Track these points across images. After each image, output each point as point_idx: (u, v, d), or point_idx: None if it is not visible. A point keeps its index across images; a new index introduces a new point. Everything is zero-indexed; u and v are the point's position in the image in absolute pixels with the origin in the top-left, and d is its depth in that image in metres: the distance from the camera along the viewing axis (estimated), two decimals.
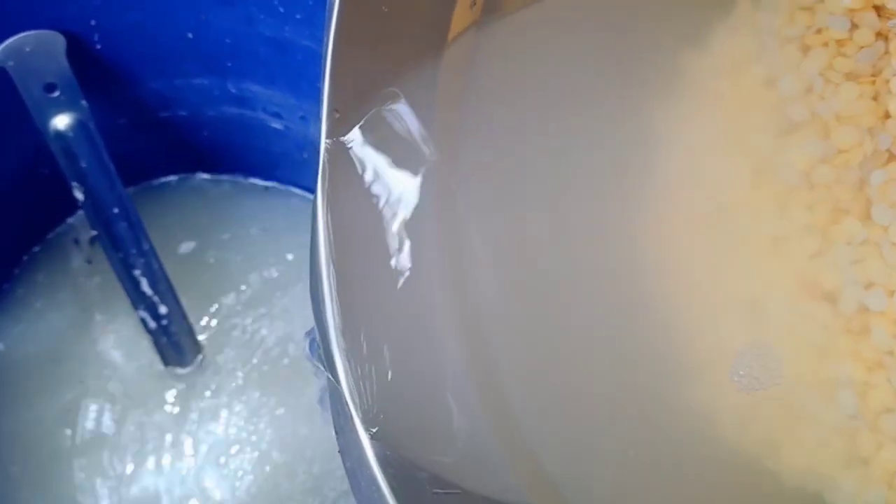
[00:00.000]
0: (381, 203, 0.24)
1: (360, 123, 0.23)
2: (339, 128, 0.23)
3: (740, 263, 0.25)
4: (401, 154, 0.24)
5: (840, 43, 0.25)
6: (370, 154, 0.23)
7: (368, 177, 0.23)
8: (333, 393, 0.22)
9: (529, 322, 0.25)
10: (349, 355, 0.22)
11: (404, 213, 0.24)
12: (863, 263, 0.23)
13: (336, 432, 0.24)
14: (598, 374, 0.24)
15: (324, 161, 0.22)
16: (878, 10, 0.25)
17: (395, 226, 0.24)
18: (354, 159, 0.23)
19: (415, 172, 0.24)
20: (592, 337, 0.25)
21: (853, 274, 0.23)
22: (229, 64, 0.40)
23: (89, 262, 0.45)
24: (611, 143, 0.26)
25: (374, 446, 0.21)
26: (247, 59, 0.40)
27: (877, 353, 0.22)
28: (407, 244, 0.24)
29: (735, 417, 0.23)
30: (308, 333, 0.24)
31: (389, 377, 0.22)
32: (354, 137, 0.23)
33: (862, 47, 0.24)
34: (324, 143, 0.23)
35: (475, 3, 0.25)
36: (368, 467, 0.21)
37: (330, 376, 0.22)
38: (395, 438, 0.21)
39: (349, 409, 0.21)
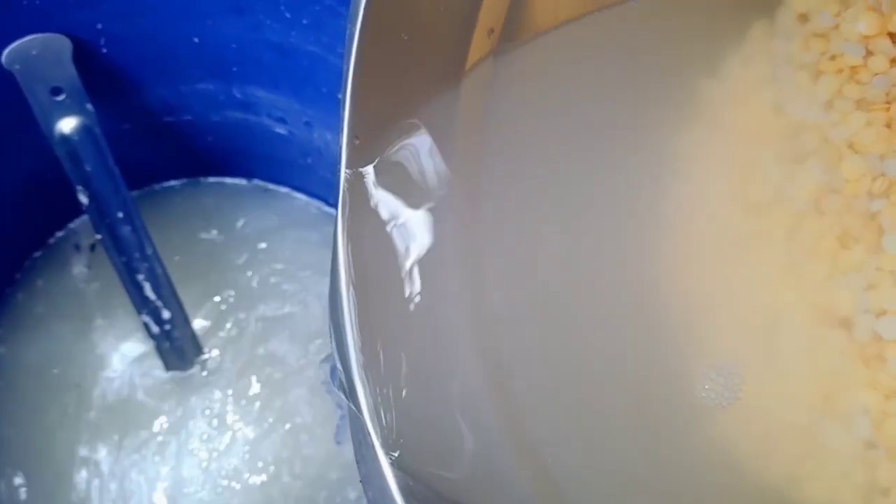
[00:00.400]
0: (401, 230, 0.24)
1: (381, 151, 0.23)
2: (359, 155, 0.23)
3: (754, 290, 0.25)
4: (420, 180, 0.24)
5: (854, 70, 0.25)
6: (389, 181, 0.24)
7: (387, 206, 0.24)
8: (354, 422, 0.22)
9: (546, 345, 0.25)
10: (370, 383, 0.22)
11: (424, 239, 0.24)
12: (875, 290, 0.23)
13: (357, 462, 0.24)
14: (614, 399, 0.25)
15: (343, 191, 0.23)
16: (893, 36, 0.25)
17: (415, 252, 0.24)
18: (373, 187, 0.23)
19: (434, 198, 0.24)
20: (610, 361, 0.25)
21: (866, 301, 0.23)
22: (235, 69, 0.40)
23: (88, 267, 0.45)
24: (627, 168, 0.26)
25: (396, 476, 0.21)
26: (252, 65, 0.40)
27: (893, 381, 0.22)
28: (427, 271, 0.24)
29: (755, 447, 0.23)
30: (325, 360, 0.24)
31: (409, 402, 0.22)
32: (374, 164, 0.23)
33: (876, 74, 0.25)
34: (343, 172, 0.23)
35: (493, 31, 0.25)
36: (392, 498, 0.21)
37: (351, 404, 0.22)
38: (415, 464, 0.21)
39: (370, 438, 0.21)
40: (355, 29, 0.23)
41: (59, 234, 0.45)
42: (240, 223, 0.46)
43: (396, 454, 0.21)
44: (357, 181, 0.23)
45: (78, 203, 0.40)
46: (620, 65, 0.26)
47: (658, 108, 0.26)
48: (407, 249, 0.24)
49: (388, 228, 0.23)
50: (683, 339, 0.24)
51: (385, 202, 0.23)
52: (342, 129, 0.23)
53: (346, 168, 0.23)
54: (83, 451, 0.41)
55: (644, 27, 0.26)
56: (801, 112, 0.25)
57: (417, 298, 0.23)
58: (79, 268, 0.44)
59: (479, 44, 0.25)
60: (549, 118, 0.26)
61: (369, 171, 0.23)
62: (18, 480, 0.41)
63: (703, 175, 0.26)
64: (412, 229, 0.24)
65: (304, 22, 0.37)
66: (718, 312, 0.25)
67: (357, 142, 0.23)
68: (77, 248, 0.45)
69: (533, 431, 0.24)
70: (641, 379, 0.24)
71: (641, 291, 0.25)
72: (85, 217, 0.45)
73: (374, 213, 0.23)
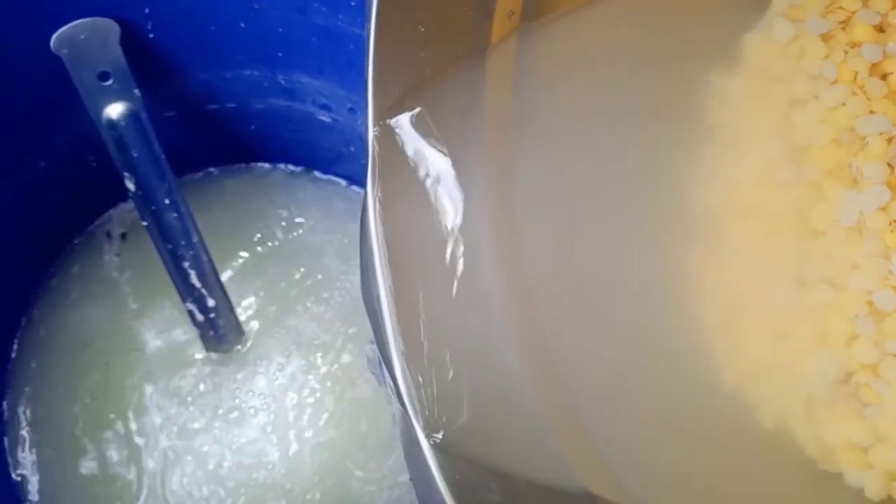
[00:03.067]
0: (432, 201, 0.24)
1: (406, 128, 0.23)
2: (385, 134, 0.23)
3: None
4: (449, 152, 0.24)
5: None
6: (419, 153, 0.24)
7: (417, 175, 0.24)
8: (403, 417, 0.22)
9: (585, 316, 0.25)
10: (408, 360, 0.22)
11: (456, 209, 0.24)
12: None
13: (406, 458, 0.24)
14: (651, 372, 0.25)
15: (373, 159, 0.23)
16: None
17: (448, 223, 0.24)
18: (403, 156, 0.23)
19: (466, 166, 0.24)
20: (648, 338, 0.25)
21: None
22: (280, 54, 0.40)
23: (118, 255, 0.44)
24: (658, 135, 0.26)
25: (441, 468, 0.21)
26: (297, 50, 0.40)
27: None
28: (461, 242, 0.23)
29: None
30: (371, 360, 0.24)
31: (450, 379, 0.22)
32: (401, 138, 0.23)
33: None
34: (371, 140, 0.23)
35: (513, 13, 0.26)
36: (438, 492, 0.21)
37: (390, 384, 0.22)
38: (457, 443, 0.21)
39: (409, 418, 0.21)
40: (370, 27, 0.24)
41: (97, 221, 0.45)
42: (282, 210, 0.45)
43: (440, 436, 0.21)
44: (386, 151, 0.23)
45: (117, 190, 0.39)
46: (648, 41, 0.27)
47: (688, 75, 0.26)
48: (441, 220, 0.23)
49: (421, 200, 0.23)
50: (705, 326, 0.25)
51: (416, 168, 0.24)
52: (367, 107, 0.23)
53: (374, 127, 0.23)
54: (114, 427, 0.41)
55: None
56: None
57: (453, 272, 0.23)
58: (109, 256, 0.44)
59: (501, 26, 0.26)
60: (577, 91, 0.26)
61: (398, 137, 0.23)
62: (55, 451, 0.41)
63: (735, 141, 0.26)
64: (444, 200, 0.24)
65: (352, 3, 0.37)
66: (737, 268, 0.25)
67: (380, 125, 0.24)
68: (108, 236, 0.45)
69: (571, 400, 0.24)
70: (674, 352, 0.25)
71: (668, 254, 0.25)
72: (119, 205, 0.45)
73: (405, 184, 0.23)
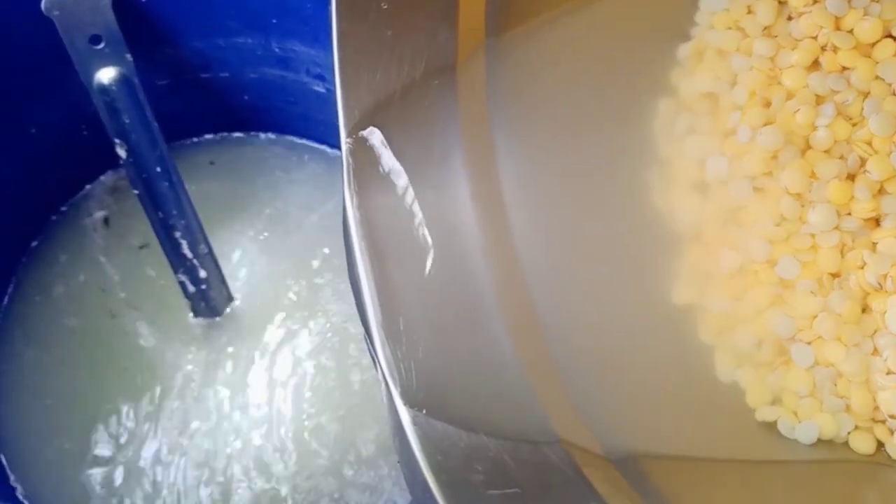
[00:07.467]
0: (406, 188, 0.24)
1: (380, 124, 0.25)
2: (360, 123, 0.24)
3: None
4: (428, 143, 0.25)
5: None
6: (392, 164, 0.25)
7: (392, 180, 0.24)
8: (389, 399, 0.22)
9: (568, 277, 0.26)
10: (386, 330, 0.22)
11: (434, 196, 0.25)
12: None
13: (393, 442, 0.24)
14: (632, 332, 0.26)
15: (347, 165, 0.24)
16: None
17: (427, 210, 0.24)
18: (377, 165, 0.24)
19: (444, 158, 0.25)
20: (630, 298, 0.26)
21: None
22: (274, 21, 0.40)
23: (103, 238, 0.44)
24: (638, 130, 0.28)
25: (424, 449, 0.21)
26: (292, 16, 0.39)
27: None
28: (438, 222, 0.24)
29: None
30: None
31: (428, 341, 0.23)
32: (374, 134, 0.25)
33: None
34: (345, 142, 0.24)
35: None
36: (421, 473, 0.21)
37: (371, 351, 0.23)
38: (435, 402, 0.22)
39: (389, 388, 0.22)
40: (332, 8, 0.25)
41: (80, 194, 0.44)
42: (275, 180, 0.45)
43: (423, 412, 0.22)
44: (360, 147, 0.24)
45: (104, 162, 0.38)
46: (612, 41, 0.28)
47: (657, 64, 0.28)
48: (418, 206, 0.24)
49: (399, 190, 0.24)
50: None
51: (393, 167, 0.24)
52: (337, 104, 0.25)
53: (347, 138, 0.24)
54: (108, 403, 0.41)
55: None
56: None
57: (434, 254, 0.24)
58: (91, 239, 0.44)
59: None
60: (552, 87, 0.27)
61: (374, 134, 0.25)
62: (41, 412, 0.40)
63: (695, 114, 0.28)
64: (422, 187, 0.24)
65: None
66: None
67: (354, 137, 0.25)
68: (89, 215, 0.44)
69: (551, 355, 0.25)
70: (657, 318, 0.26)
71: (647, 221, 0.27)
72: (99, 180, 0.45)
73: (381, 177, 0.24)
